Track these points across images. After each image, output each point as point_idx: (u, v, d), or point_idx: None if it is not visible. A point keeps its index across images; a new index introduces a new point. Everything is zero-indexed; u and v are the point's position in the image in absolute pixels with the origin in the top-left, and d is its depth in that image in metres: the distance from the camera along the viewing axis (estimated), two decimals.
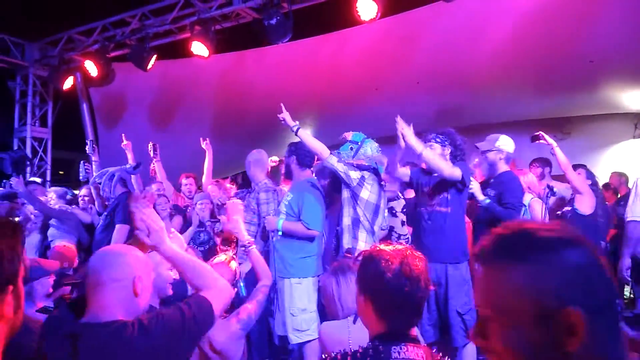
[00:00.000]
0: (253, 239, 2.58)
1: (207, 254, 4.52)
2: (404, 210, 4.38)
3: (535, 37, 5.93)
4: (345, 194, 3.78)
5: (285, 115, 3.80)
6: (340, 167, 3.68)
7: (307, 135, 3.78)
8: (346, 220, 3.73)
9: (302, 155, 3.95)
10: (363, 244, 3.64)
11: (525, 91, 7.15)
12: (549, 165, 4.96)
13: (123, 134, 5.75)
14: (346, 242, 3.69)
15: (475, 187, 3.72)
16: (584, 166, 5.00)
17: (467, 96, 6.26)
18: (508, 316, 0.82)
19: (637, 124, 7.90)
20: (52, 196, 5.57)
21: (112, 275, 1.64)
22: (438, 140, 3.70)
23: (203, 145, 5.74)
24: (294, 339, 3.70)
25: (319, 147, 3.72)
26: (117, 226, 4.53)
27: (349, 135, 3.91)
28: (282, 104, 3.83)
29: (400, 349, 1.43)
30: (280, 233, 3.82)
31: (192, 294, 1.81)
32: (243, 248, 2.51)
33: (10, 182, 5.19)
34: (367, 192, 3.73)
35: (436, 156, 3.55)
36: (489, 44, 6.17)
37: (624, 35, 5.66)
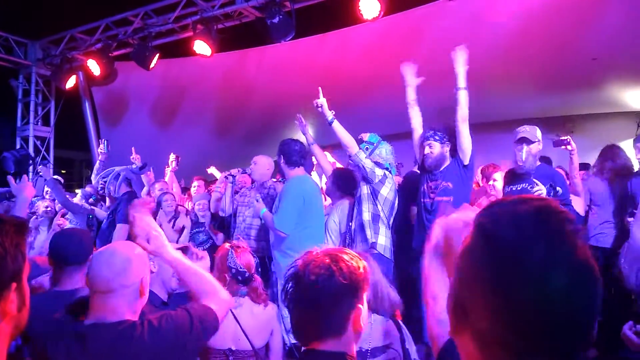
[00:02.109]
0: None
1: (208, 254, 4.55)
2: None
3: (538, 35, 5.91)
4: (365, 190, 3.82)
5: (323, 101, 3.79)
6: (368, 163, 3.75)
7: (340, 128, 3.80)
8: (366, 216, 3.77)
9: (288, 154, 3.96)
10: (383, 237, 3.73)
11: (528, 89, 7.13)
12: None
13: (133, 148, 5.80)
14: (370, 236, 3.73)
15: (543, 190, 3.38)
16: (587, 167, 5.04)
17: (470, 94, 6.24)
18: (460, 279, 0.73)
19: (639, 122, 7.88)
20: (79, 194, 5.68)
21: (122, 282, 1.64)
22: (437, 138, 3.69)
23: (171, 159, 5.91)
24: (287, 338, 3.75)
25: (349, 141, 3.77)
26: (118, 225, 4.56)
27: (366, 136, 3.98)
28: (320, 87, 3.82)
29: None
30: (261, 221, 4.00)
31: (193, 302, 1.82)
32: None
33: (39, 169, 5.25)
34: (387, 190, 3.81)
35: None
36: (492, 42, 6.16)
37: (627, 33, 5.65)
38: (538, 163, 3.75)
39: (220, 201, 4.81)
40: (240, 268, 2.47)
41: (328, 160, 4.29)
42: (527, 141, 3.64)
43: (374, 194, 3.79)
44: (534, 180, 3.43)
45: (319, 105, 3.80)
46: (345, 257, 1.39)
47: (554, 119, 8.25)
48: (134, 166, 5.01)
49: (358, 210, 3.84)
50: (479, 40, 6.21)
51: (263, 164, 4.53)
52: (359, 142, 3.94)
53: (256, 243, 4.40)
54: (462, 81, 3.58)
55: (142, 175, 5.26)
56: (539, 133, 3.73)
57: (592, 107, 7.85)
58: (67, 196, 5.62)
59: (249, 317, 2.42)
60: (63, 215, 5.08)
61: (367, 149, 3.91)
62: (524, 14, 5.74)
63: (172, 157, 5.92)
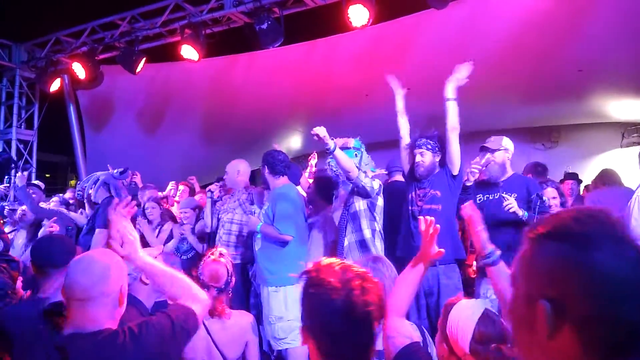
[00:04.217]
0: None
1: (191, 262, 4.49)
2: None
3: (524, 46, 5.97)
4: (361, 206, 3.72)
5: (321, 131, 3.52)
6: (367, 182, 3.69)
7: (341, 154, 3.63)
8: (367, 233, 3.67)
9: (272, 163, 3.96)
10: (382, 253, 3.64)
11: (514, 100, 7.19)
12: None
13: (129, 170, 5.59)
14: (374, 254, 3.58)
15: (514, 204, 3.49)
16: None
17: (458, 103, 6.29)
18: (514, 287, 0.82)
19: (624, 133, 7.99)
20: (54, 199, 5.54)
21: (101, 290, 1.61)
22: (429, 147, 3.66)
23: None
24: (274, 345, 3.76)
25: (351, 166, 3.66)
26: (97, 230, 4.48)
27: (351, 142, 3.90)
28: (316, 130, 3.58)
29: None
30: (258, 236, 3.88)
31: (173, 303, 1.79)
32: None
33: (15, 177, 5.14)
34: (381, 199, 3.79)
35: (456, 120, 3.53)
36: (479, 52, 6.20)
37: (612, 46, 5.72)
38: (511, 170, 3.84)
39: (203, 219, 4.76)
40: (201, 276, 2.42)
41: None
42: (489, 150, 3.78)
43: (372, 207, 3.73)
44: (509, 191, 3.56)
45: (316, 135, 3.53)
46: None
47: (539, 129, 8.35)
48: (115, 171, 4.92)
49: (355, 227, 3.72)
50: (466, 50, 6.26)
51: (233, 172, 4.48)
52: (344, 148, 3.85)
53: (235, 249, 4.36)
54: (449, 92, 3.55)
55: (121, 181, 5.14)
56: (505, 142, 3.83)
57: (577, 117, 7.95)
58: (44, 203, 5.52)
59: (220, 329, 2.38)
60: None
61: (355, 155, 3.86)
62: (510, 25, 5.80)
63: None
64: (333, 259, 1.34)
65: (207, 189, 4.70)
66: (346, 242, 3.75)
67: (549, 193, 3.90)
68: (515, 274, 0.82)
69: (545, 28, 5.66)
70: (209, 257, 2.56)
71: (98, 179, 4.67)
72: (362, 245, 3.69)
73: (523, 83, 6.71)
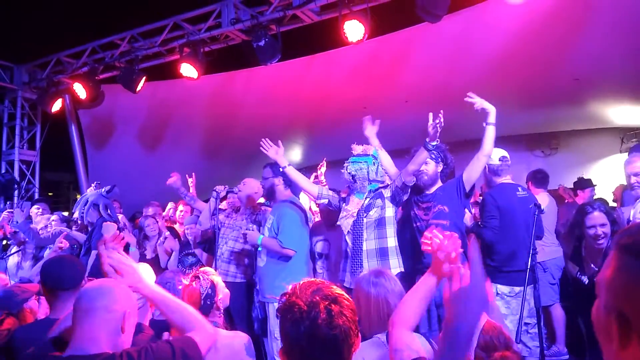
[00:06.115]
0: None
1: None
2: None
3: (521, 55, 6.00)
4: (390, 212, 3.63)
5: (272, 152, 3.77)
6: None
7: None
8: (391, 242, 3.58)
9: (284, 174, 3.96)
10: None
11: (513, 107, 7.20)
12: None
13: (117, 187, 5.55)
14: (394, 265, 3.51)
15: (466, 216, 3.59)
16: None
17: (454, 113, 6.26)
18: (598, 295, 0.85)
19: (623, 138, 8.00)
20: (54, 218, 5.59)
21: (105, 304, 1.64)
22: (432, 156, 3.66)
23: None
24: None
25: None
26: (93, 252, 4.53)
27: (371, 150, 3.78)
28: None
29: None
30: (259, 249, 3.88)
31: (177, 336, 1.80)
32: None
33: (13, 212, 5.22)
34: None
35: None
36: (476, 62, 6.24)
37: (608, 54, 5.75)
38: (499, 181, 3.91)
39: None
40: None
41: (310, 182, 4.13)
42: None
43: (396, 216, 3.67)
44: None
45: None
46: None
47: (539, 135, 8.37)
48: (102, 190, 4.95)
49: (379, 233, 3.60)
50: (463, 60, 6.31)
51: (251, 187, 4.50)
52: (365, 154, 3.76)
53: (236, 267, 4.35)
54: (492, 117, 3.54)
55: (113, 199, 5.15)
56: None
57: (576, 123, 7.97)
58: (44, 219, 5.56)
59: (212, 351, 2.33)
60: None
61: (374, 163, 3.75)
62: (506, 35, 5.84)
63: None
64: (314, 280, 1.37)
65: (214, 188, 4.66)
66: (365, 247, 3.59)
67: (597, 219, 3.16)
68: (600, 282, 0.85)
69: (540, 38, 5.70)
70: (184, 279, 2.52)
71: (87, 201, 4.71)
72: (383, 253, 3.57)
73: (521, 92, 6.74)
